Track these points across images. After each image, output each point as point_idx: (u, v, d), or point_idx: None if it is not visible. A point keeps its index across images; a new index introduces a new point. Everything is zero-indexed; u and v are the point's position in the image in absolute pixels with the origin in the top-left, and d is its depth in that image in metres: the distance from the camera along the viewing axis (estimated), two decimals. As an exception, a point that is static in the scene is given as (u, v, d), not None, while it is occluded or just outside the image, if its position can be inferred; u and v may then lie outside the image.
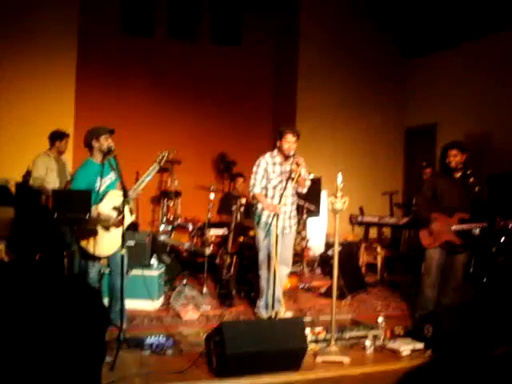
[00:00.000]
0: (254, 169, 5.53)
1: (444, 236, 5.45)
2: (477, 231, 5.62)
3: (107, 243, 4.68)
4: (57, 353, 1.31)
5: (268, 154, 5.54)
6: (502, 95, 8.26)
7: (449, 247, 5.49)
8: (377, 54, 10.55)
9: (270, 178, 5.43)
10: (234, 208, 6.73)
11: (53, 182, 6.32)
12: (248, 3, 10.59)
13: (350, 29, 10.32)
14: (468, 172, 5.39)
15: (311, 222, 8.42)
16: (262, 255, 5.49)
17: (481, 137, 8.32)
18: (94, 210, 4.56)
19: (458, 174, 5.52)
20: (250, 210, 5.95)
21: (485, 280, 5.99)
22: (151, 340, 4.45)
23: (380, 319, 5.03)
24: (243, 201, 7.02)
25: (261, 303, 5.60)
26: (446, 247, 5.50)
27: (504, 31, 8.25)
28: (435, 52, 9.90)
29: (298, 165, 5.15)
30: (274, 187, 5.43)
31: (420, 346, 4.60)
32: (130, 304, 5.35)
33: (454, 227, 5.43)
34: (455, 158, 5.44)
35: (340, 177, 4.50)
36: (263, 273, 5.53)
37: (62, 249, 4.73)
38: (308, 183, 5.58)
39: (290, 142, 5.34)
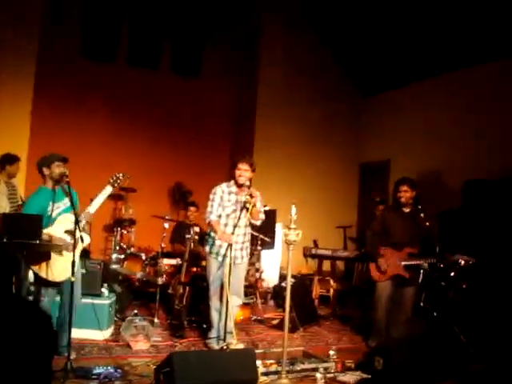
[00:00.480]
0: (211, 196, 5.56)
1: (393, 270, 5.56)
2: (425, 266, 5.77)
3: (60, 268, 4.59)
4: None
5: (224, 184, 5.61)
6: (452, 134, 8.54)
7: (398, 281, 5.60)
8: (333, 91, 10.78)
9: (225, 205, 5.48)
10: (187, 237, 6.70)
11: (3, 206, 6.18)
12: (210, 35, 10.73)
13: (308, 66, 10.54)
14: (419, 207, 5.53)
15: (266, 254, 8.44)
16: (215, 285, 5.48)
17: (432, 174, 8.55)
18: (45, 234, 4.48)
19: (408, 210, 5.67)
20: (204, 239, 5.95)
21: (435, 314, 6.09)
22: (99, 370, 4.34)
23: (331, 352, 5.06)
24: (196, 229, 7.01)
25: (212, 334, 5.55)
26: (395, 281, 5.61)
27: (450, 72, 8.56)
28: (388, 91, 10.20)
29: (252, 196, 5.22)
30: (228, 215, 5.47)
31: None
32: (79, 333, 5.24)
33: (402, 262, 5.54)
34: (406, 193, 5.61)
35: (294, 209, 4.55)
36: (215, 303, 5.51)
37: (10, 274, 4.60)
38: (262, 216, 5.63)
39: (240, 169, 5.43)
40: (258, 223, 5.69)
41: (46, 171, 4.74)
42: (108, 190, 4.80)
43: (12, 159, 6.51)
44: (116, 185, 4.89)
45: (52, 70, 9.35)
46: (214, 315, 5.52)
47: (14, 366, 1.29)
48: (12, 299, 1.38)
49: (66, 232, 4.61)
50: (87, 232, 4.79)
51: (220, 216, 5.50)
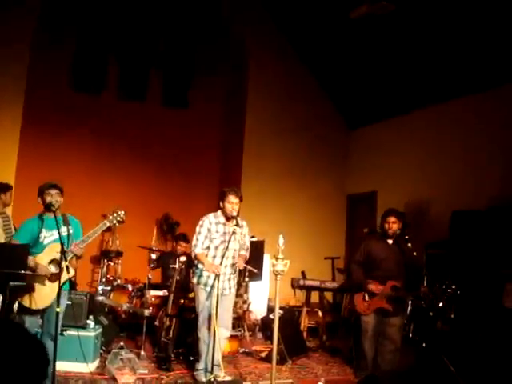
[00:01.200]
0: (197, 229, 5.54)
1: (376, 303, 5.54)
2: (409, 302, 5.76)
3: (43, 295, 4.54)
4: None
5: (212, 215, 5.61)
6: (439, 165, 8.62)
7: (383, 313, 5.58)
8: (321, 122, 10.89)
9: (213, 237, 5.47)
10: (175, 266, 6.64)
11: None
12: (197, 68, 10.87)
13: (296, 97, 10.65)
14: (406, 237, 5.54)
15: (254, 285, 8.39)
16: (203, 316, 5.42)
17: (419, 204, 8.61)
18: (31, 261, 4.44)
19: (391, 241, 5.66)
20: (191, 270, 5.90)
21: (424, 345, 6.07)
22: (84, 404, 4.26)
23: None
24: (182, 258, 6.93)
25: (200, 366, 5.47)
26: (380, 313, 5.58)
27: (436, 104, 8.69)
28: (374, 123, 10.33)
29: (238, 225, 5.28)
30: (216, 247, 5.46)
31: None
32: (64, 366, 5.16)
33: (385, 295, 5.52)
34: (394, 224, 5.60)
35: (281, 239, 4.55)
36: (203, 335, 5.44)
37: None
38: (247, 246, 5.70)
39: (232, 202, 5.44)
40: (246, 253, 5.72)
41: (39, 200, 4.73)
42: (105, 225, 4.73)
43: (5, 188, 6.45)
44: (115, 221, 4.82)
45: (41, 100, 9.41)
46: (203, 347, 5.44)
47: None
48: (4, 324, 1.34)
49: (51, 262, 4.56)
50: (74, 265, 4.72)
51: (208, 248, 5.48)
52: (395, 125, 9.81)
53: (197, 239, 5.50)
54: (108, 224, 4.76)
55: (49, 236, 4.64)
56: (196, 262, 5.54)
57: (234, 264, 5.45)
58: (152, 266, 7.72)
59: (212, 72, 10.93)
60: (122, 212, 4.84)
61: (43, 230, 4.62)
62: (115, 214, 4.80)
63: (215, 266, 5.26)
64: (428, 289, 5.51)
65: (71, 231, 4.56)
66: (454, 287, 5.36)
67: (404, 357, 5.78)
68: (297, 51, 10.65)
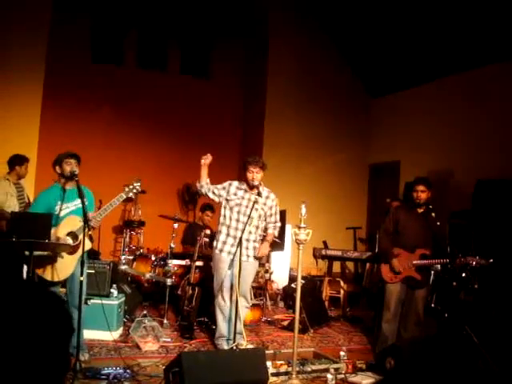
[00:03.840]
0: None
1: (405, 272, 5.48)
2: (438, 267, 5.69)
3: (60, 268, 4.58)
4: (17, 363, 1.24)
5: (236, 181, 5.71)
6: (463, 133, 8.47)
7: (409, 282, 5.52)
8: (343, 92, 10.76)
9: (229, 198, 5.53)
10: (198, 238, 6.67)
11: (13, 207, 6.17)
12: (218, 35, 10.75)
13: (317, 67, 10.50)
14: (430, 207, 5.46)
15: (275, 255, 8.40)
16: (222, 284, 5.42)
17: (442, 174, 8.47)
18: (52, 234, 4.46)
19: (421, 210, 5.59)
20: (214, 237, 5.90)
21: (446, 315, 6.03)
22: (108, 371, 4.33)
23: (342, 353, 5.02)
24: (208, 231, 6.97)
25: (219, 334, 5.50)
26: (406, 282, 5.53)
27: (460, 73, 8.51)
28: (398, 92, 10.14)
29: (259, 195, 5.35)
30: (238, 212, 5.46)
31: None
32: (88, 334, 5.21)
33: (414, 262, 5.46)
34: (423, 193, 5.50)
35: (303, 208, 4.51)
36: (220, 303, 5.45)
37: (20, 269, 4.58)
38: (278, 224, 5.81)
39: (252, 171, 5.44)
40: (276, 233, 5.86)
41: (58, 169, 4.72)
42: (121, 197, 4.75)
43: (21, 160, 6.50)
44: (131, 194, 4.83)
45: (61, 73, 9.41)
46: (219, 315, 5.49)
47: (30, 350, 1.26)
48: (25, 285, 1.36)
49: (69, 234, 4.59)
50: (91, 237, 4.75)
51: (231, 210, 5.52)
52: (418, 93, 9.63)
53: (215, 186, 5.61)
54: (124, 196, 4.78)
55: (65, 208, 4.65)
56: (200, 186, 5.61)
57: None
58: (182, 241, 7.80)
59: (233, 43, 10.86)
60: (138, 183, 4.84)
61: (59, 202, 4.61)
62: (131, 186, 4.81)
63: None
64: (453, 260, 5.41)
65: (86, 203, 4.57)
66: (478, 259, 5.27)
67: (426, 327, 5.75)
68: (318, 20, 10.46)
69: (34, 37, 8.40)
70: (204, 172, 5.61)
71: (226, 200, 5.54)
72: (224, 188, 5.59)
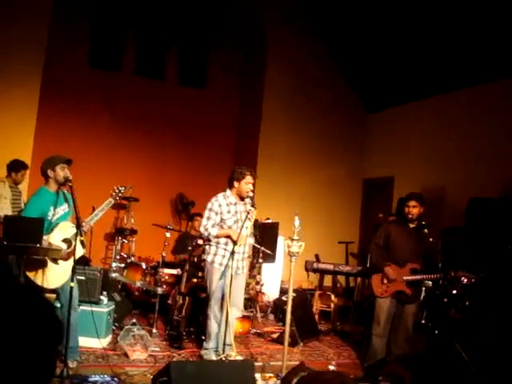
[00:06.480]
0: (206, 214, 5.45)
1: (395, 286, 5.48)
2: (429, 283, 5.69)
3: (55, 276, 4.55)
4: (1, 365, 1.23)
5: (221, 195, 5.51)
6: (457, 151, 8.51)
7: (399, 298, 5.53)
8: (339, 106, 10.79)
9: (225, 218, 5.40)
10: (190, 248, 6.65)
11: (6, 210, 6.14)
12: (214, 43, 10.79)
13: (314, 80, 10.53)
14: (423, 223, 5.47)
15: (267, 267, 8.38)
16: (216, 296, 5.40)
17: (436, 191, 8.50)
18: (44, 241, 4.43)
19: (413, 225, 5.61)
20: (205, 249, 5.87)
21: (436, 332, 6.03)
22: (95, 378, 4.31)
23: (331, 367, 4.98)
24: (200, 241, 6.94)
25: (209, 345, 5.46)
26: (396, 297, 5.53)
27: (454, 90, 8.58)
28: (393, 107, 10.20)
29: (254, 207, 5.22)
30: (230, 227, 5.40)
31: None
32: (76, 340, 5.16)
33: (405, 278, 5.47)
34: (414, 209, 5.53)
35: (297, 220, 4.51)
36: (215, 314, 5.43)
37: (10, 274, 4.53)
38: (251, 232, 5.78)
39: (249, 183, 5.38)
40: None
41: (50, 173, 4.64)
42: (109, 203, 4.79)
43: (17, 167, 6.49)
44: (117, 198, 4.92)
45: (58, 79, 9.40)
46: (214, 326, 5.44)
47: (15, 354, 1.25)
48: (15, 289, 1.33)
49: (64, 241, 4.56)
50: (83, 243, 4.73)
51: (221, 228, 5.45)
52: (413, 110, 9.68)
53: (208, 218, 5.40)
54: (113, 201, 4.87)
55: (56, 214, 4.63)
56: (215, 240, 5.46)
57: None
58: (174, 251, 7.78)
59: (231, 54, 10.87)
60: (123, 188, 4.93)
61: (52, 207, 4.60)
62: (117, 191, 4.90)
63: (236, 232, 5.20)
64: (444, 275, 5.42)
65: (71, 208, 4.57)
66: (469, 275, 5.28)
67: (416, 343, 5.74)
68: (315, 34, 10.51)
69: (33, 38, 8.41)
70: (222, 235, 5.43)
71: (222, 219, 5.44)
72: (217, 213, 5.41)
